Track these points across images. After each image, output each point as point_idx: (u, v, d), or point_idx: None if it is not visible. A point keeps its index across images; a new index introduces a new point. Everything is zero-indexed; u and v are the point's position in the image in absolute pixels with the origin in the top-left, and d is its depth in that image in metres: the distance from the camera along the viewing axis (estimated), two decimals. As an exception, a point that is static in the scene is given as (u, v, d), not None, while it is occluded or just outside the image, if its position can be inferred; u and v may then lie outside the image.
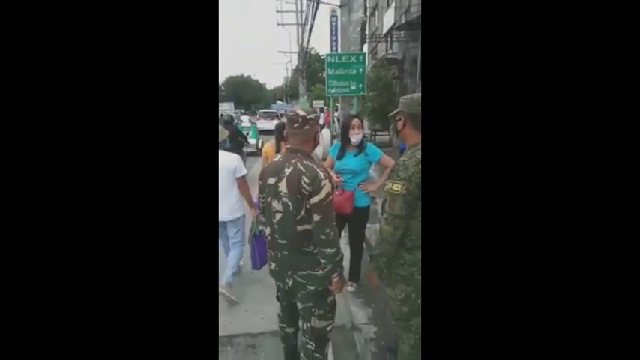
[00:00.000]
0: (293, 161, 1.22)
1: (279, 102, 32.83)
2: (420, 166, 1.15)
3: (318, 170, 1.19)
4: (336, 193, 2.02)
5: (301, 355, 1.43)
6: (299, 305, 1.36)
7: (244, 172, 2.21)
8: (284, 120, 2.02)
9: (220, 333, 1.93)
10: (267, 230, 1.35)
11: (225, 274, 2.19)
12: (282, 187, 1.21)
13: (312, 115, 1.28)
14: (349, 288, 2.32)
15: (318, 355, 1.38)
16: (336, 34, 11.77)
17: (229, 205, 2.19)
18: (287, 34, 32.06)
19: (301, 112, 1.26)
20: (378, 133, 10.97)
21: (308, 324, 1.34)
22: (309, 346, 1.37)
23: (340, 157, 2.17)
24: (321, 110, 15.48)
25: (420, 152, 1.19)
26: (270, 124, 11.70)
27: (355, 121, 2.13)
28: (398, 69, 10.95)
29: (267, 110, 19.99)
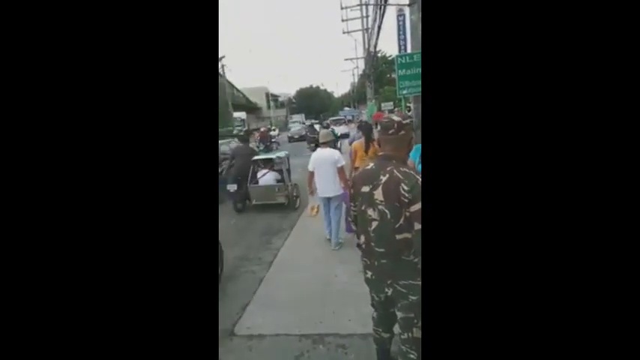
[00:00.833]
0: (389, 168, 1.21)
1: (346, 108, 33.35)
2: None
3: (417, 177, 1.16)
4: None
5: (398, 361, 1.41)
6: (399, 315, 1.34)
7: (343, 162, 3.16)
8: (363, 120, 2.85)
9: (310, 331, 2.04)
10: (362, 238, 1.35)
11: (333, 236, 3.29)
12: (379, 194, 1.21)
13: (408, 120, 1.28)
14: None
15: (417, 363, 1.34)
16: (404, 34, 11.44)
17: (333, 185, 3.17)
18: (353, 40, 32.34)
19: (396, 118, 1.27)
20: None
21: (410, 334, 1.31)
22: (411, 356, 1.33)
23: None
24: (392, 112, 15.14)
25: None
26: (339, 129, 14.33)
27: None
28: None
29: (335, 118, 23.60)
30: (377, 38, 14.19)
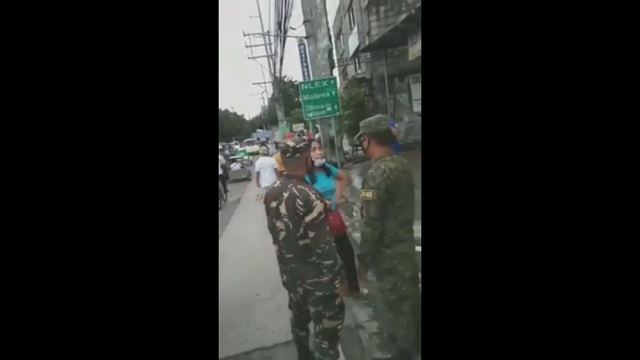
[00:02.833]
0: (289, 186, 1.43)
1: (259, 130, 33.64)
2: (385, 175, 1.42)
3: (309, 193, 1.40)
4: (330, 217, 2.25)
5: (316, 354, 1.61)
6: (311, 309, 1.54)
7: (277, 165, 4.69)
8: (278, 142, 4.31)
9: (236, 351, 2.10)
10: (276, 246, 1.54)
11: None
12: (282, 209, 1.42)
13: (302, 144, 1.51)
14: (365, 291, 2.50)
15: (331, 352, 1.56)
16: (307, 62, 12.40)
17: (272, 178, 4.44)
18: (259, 65, 33.10)
19: (291, 143, 1.49)
20: (357, 147, 11.42)
21: (320, 326, 1.52)
22: (324, 345, 1.54)
23: (313, 181, 2.20)
24: (302, 133, 15.94)
25: (383, 163, 1.47)
26: (254, 148, 18.62)
27: (314, 145, 2.35)
28: (368, 87, 11.59)
29: (250, 140, 27.64)
30: (281, 65, 14.96)
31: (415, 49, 7.27)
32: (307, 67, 13.60)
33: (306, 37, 8.39)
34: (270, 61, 17.93)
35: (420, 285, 1.59)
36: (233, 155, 12.03)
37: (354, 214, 4.40)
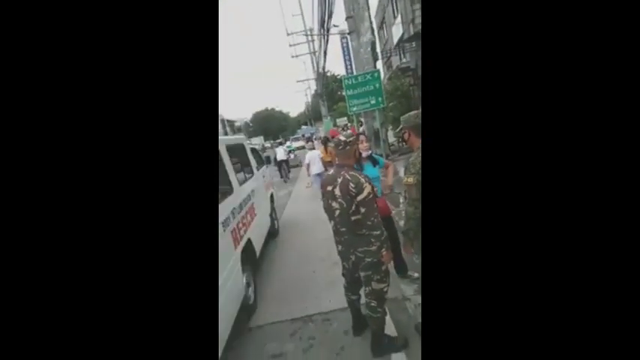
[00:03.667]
0: (342, 173, 1.75)
1: (303, 127, 34.54)
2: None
3: (359, 177, 1.71)
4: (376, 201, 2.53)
5: (367, 312, 1.93)
6: (361, 274, 1.85)
7: (322, 155, 6.21)
8: (324, 135, 5.27)
9: (300, 315, 2.50)
10: (332, 223, 1.88)
11: None
12: (337, 191, 1.74)
13: (351, 138, 1.83)
14: (415, 274, 2.74)
15: (379, 309, 1.86)
16: (349, 56, 12.55)
17: (319, 166, 6.04)
18: (302, 63, 33.91)
19: (343, 138, 1.82)
20: (402, 140, 11.33)
21: (370, 288, 1.83)
22: (373, 304, 1.86)
23: (361, 169, 2.44)
24: (346, 127, 16.16)
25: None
26: (299, 144, 20.83)
27: (362, 138, 2.62)
28: (412, 77, 11.38)
29: (295, 136, 28.37)
30: (324, 61, 15.26)
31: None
32: (350, 61, 13.72)
33: (348, 33, 8.56)
34: (313, 58, 18.35)
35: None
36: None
37: (400, 204, 4.59)
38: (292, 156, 12.11)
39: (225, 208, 2.43)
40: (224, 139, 3.14)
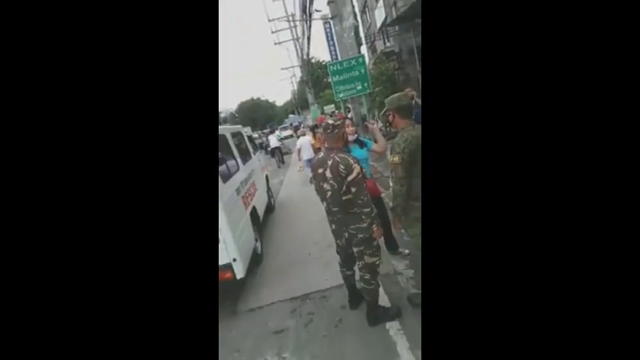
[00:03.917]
0: (332, 155, 1.84)
1: (291, 116, 34.31)
2: (408, 142, 1.75)
3: (348, 158, 1.81)
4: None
5: (361, 284, 2.06)
6: (354, 250, 1.97)
7: (312, 141, 6.49)
8: (311, 124, 5.51)
9: (299, 293, 2.63)
10: (325, 204, 1.98)
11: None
12: (328, 173, 1.83)
13: (339, 122, 1.92)
14: (406, 251, 2.89)
15: (373, 282, 1.99)
16: (333, 42, 12.45)
17: (309, 152, 6.22)
18: (285, 49, 33.34)
19: (331, 122, 1.91)
20: (389, 125, 11.45)
21: (363, 262, 1.96)
22: (366, 277, 1.98)
23: (348, 152, 2.56)
24: (333, 114, 16.17)
25: (406, 132, 1.80)
26: (287, 133, 20.38)
27: (347, 122, 2.71)
28: (397, 61, 11.42)
29: (283, 125, 27.63)
30: (308, 47, 15.10)
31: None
32: (334, 46, 13.62)
33: (331, 18, 8.49)
34: (297, 45, 18.08)
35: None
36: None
37: (390, 187, 4.71)
38: (283, 144, 12.90)
39: (235, 180, 3.19)
40: (229, 128, 4.08)
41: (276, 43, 19.51)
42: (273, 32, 19.79)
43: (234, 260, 2.54)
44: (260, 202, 4.13)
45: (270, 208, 5.10)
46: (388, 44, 13.21)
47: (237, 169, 3.47)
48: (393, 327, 2.02)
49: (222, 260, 2.47)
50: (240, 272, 2.57)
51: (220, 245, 2.46)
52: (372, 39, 15.48)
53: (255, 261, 3.20)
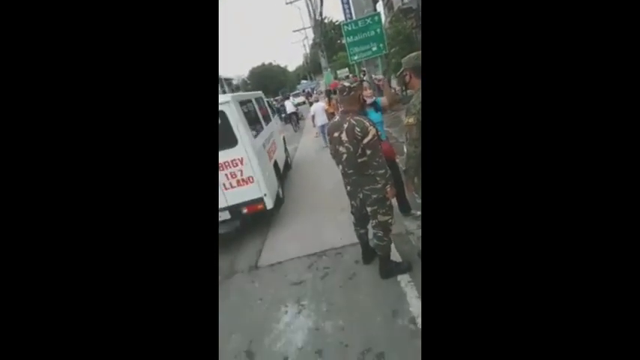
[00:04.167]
0: (347, 118, 1.87)
1: (303, 81, 33.44)
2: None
3: (364, 121, 1.83)
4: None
5: (374, 241, 2.19)
6: (368, 209, 2.06)
7: (325, 106, 6.85)
8: (324, 89, 5.60)
9: (314, 250, 2.81)
10: (340, 167, 2.05)
11: (323, 143, 6.86)
12: (344, 136, 1.87)
13: (355, 84, 1.93)
14: (417, 213, 2.99)
15: (385, 239, 2.12)
16: (347, 0, 11.73)
17: (323, 118, 6.65)
18: (297, 9, 31.58)
19: (347, 84, 1.92)
20: (405, 88, 11.04)
21: (376, 220, 2.06)
22: (379, 234, 2.10)
23: (364, 115, 2.57)
24: (347, 78, 15.67)
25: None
26: (300, 99, 21.87)
27: (365, 84, 2.69)
28: (415, 18, 10.74)
29: (295, 92, 27.59)
30: (321, 6, 14.31)
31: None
32: (349, 4, 12.87)
33: (345, -27, 7.95)
34: (309, 3, 17.13)
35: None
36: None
37: (404, 152, 4.71)
38: (297, 109, 13.24)
39: (261, 137, 3.90)
40: (252, 94, 4.69)
41: (287, 3, 18.46)
42: (283, -10, 18.71)
43: (265, 195, 3.30)
44: (280, 158, 4.88)
45: (287, 166, 5.79)
46: (405, 0, 12.35)
47: (263, 128, 4.28)
48: (404, 279, 2.18)
49: (255, 195, 3.25)
50: (269, 204, 3.36)
51: (254, 184, 3.22)
52: (389, -5, 14.47)
53: (279, 203, 3.96)
